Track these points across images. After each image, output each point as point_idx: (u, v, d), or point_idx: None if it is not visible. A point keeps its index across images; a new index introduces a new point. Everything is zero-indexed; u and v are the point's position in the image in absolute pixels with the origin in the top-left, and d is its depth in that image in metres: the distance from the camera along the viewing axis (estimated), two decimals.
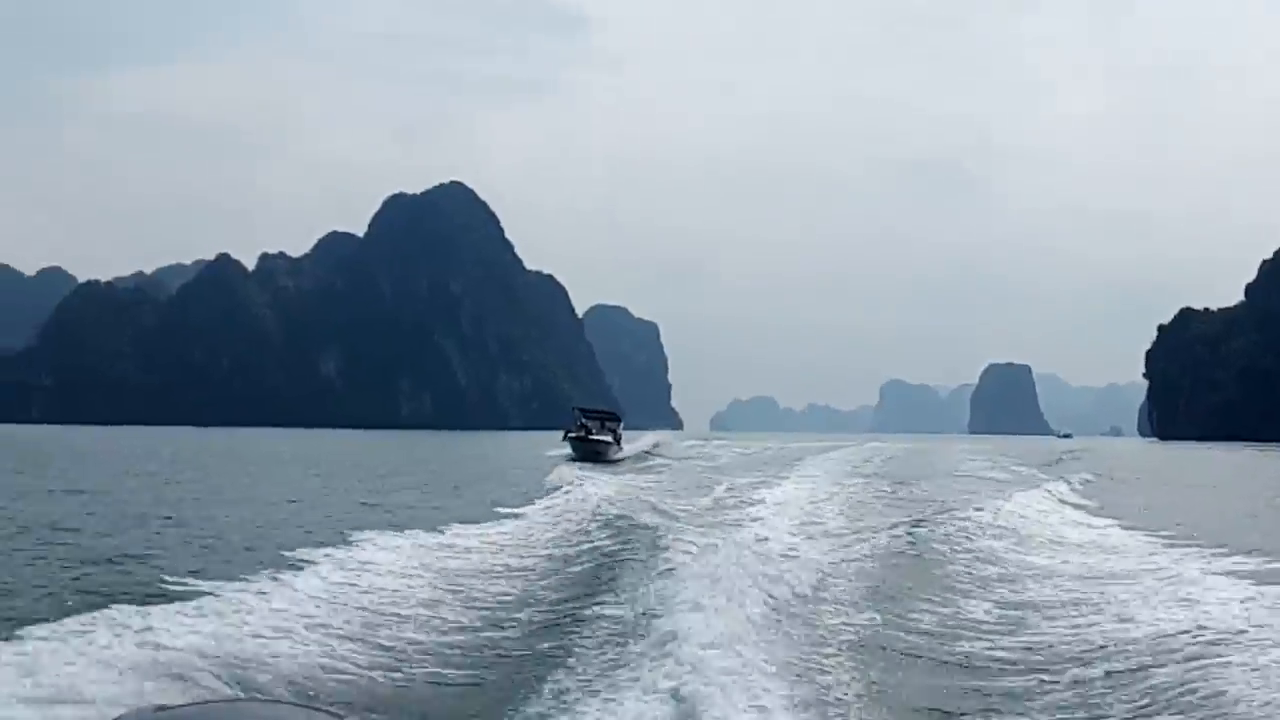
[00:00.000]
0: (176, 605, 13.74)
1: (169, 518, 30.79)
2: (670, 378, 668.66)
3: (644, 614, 14.12)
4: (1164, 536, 26.24)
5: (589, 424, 75.55)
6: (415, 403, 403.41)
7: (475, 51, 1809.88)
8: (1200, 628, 14.36)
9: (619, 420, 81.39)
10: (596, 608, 15.36)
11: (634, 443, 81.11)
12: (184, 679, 10.59)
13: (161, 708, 1.68)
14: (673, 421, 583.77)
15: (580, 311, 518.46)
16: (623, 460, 69.32)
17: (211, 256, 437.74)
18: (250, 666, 11.34)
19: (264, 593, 14.89)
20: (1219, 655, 12.41)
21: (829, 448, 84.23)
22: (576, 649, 13.02)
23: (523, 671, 12.29)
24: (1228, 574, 19.70)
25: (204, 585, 15.81)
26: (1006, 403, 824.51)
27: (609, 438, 73.24)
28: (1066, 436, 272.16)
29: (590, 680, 11.22)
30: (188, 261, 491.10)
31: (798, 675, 11.31)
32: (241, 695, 9.87)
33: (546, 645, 13.57)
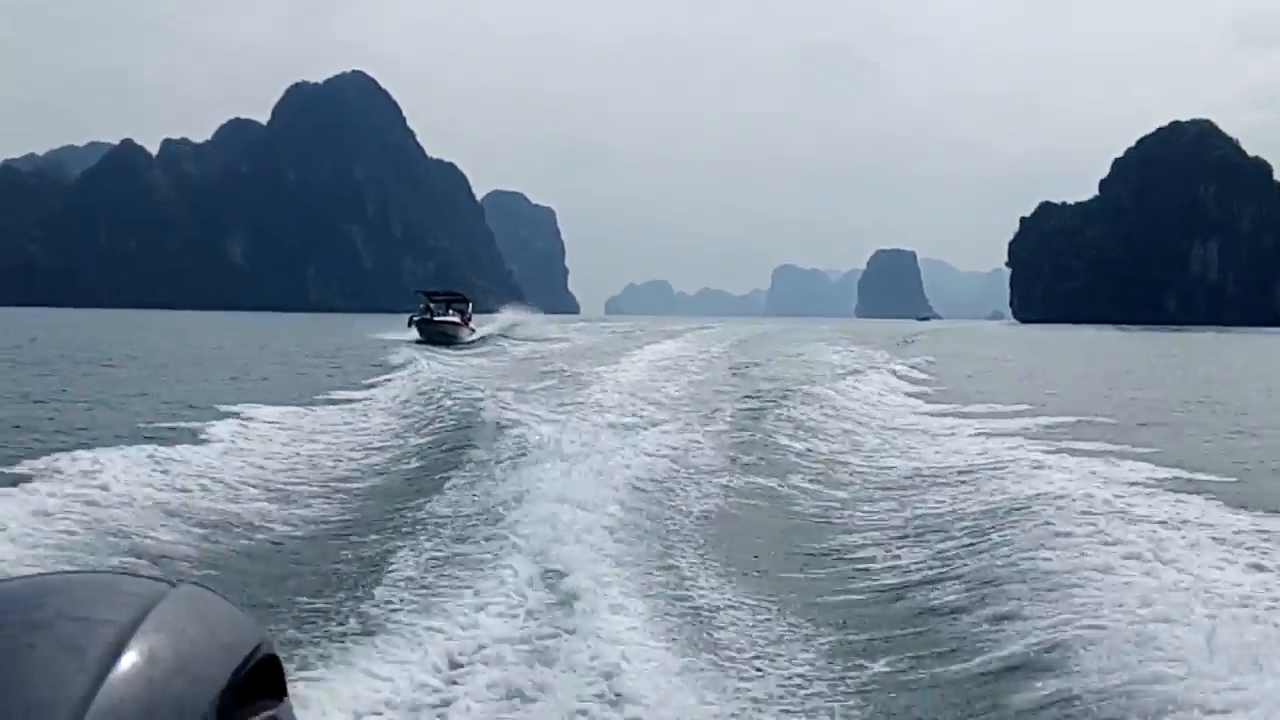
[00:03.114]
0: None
1: None
2: (567, 262, 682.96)
3: (492, 497, 13.82)
4: (963, 409, 27.90)
5: (434, 306, 72.14)
6: (322, 286, 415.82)
7: None
8: (1004, 486, 15.29)
9: (468, 302, 76.26)
10: (444, 491, 14.88)
11: (491, 324, 76.19)
12: (14, 552, 10.44)
13: None
14: (570, 305, 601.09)
15: (478, 196, 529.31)
16: (473, 343, 64.63)
17: (102, 139, 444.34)
18: (84, 539, 11.23)
19: (97, 469, 14.35)
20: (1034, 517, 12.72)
21: (697, 329, 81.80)
22: (426, 530, 12.51)
23: (368, 551, 11.81)
24: (1010, 436, 21.84)
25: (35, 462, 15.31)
26: (892, 288, 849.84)
27: (456, 319, 69.80)
28: (925, 319, 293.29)
29: (440, 564, 10.72)
30: (80, 144, 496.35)
31: (653, 555, 11.29)
32: (69, 568, 7.56)
33: (393, 524, 13.12)
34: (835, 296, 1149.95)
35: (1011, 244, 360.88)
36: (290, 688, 1.11)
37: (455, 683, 7.54)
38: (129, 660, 0.97)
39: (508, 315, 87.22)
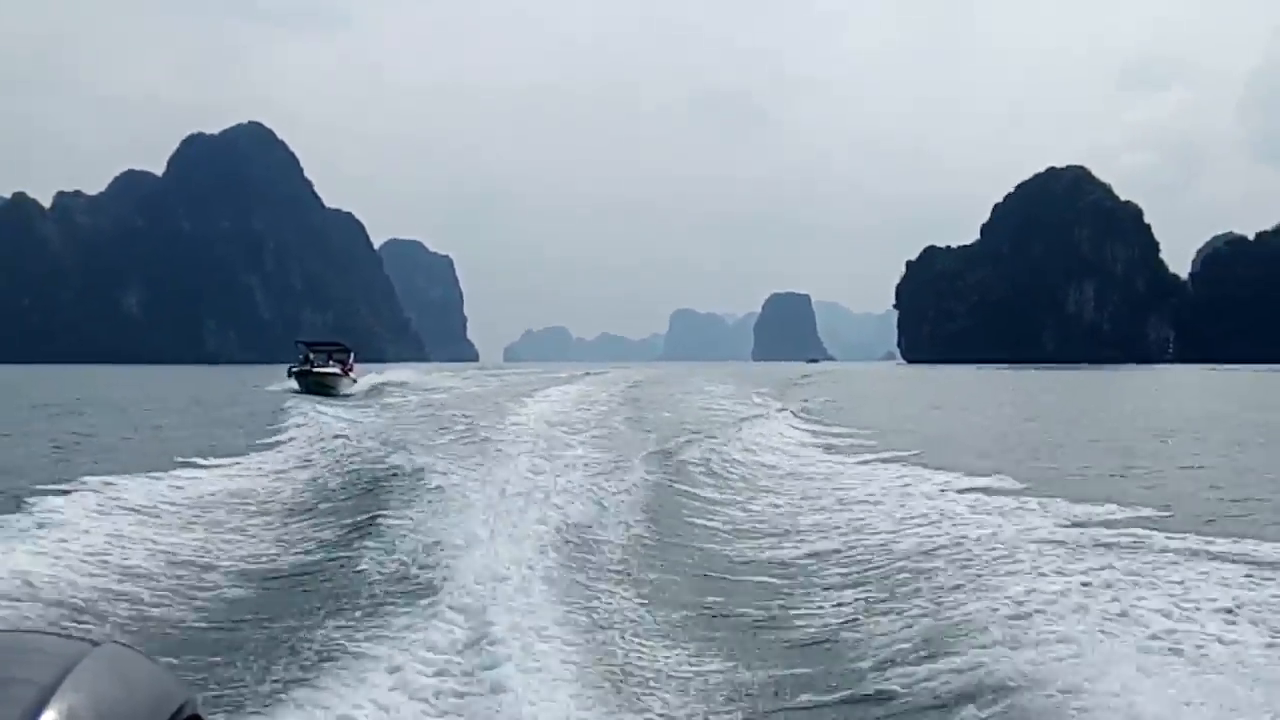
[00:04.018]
0: None
1: None
2: (466, 310, 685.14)
3: (412, 549, 13.76)
4: (849, 445, 29.80)
5: (314, 356, 71.56)
6: (220, 338, 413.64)
7: None
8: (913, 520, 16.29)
9: (349, 352, 75.68)
10: (365, 545, 14.67)
11: (374, 377, 74.40)
12: None
13: None
14: (469, 353, 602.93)
15: (375, 245, 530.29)
16: (353, 395, 62.85)
17: None
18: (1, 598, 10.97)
19: (14, 525, 14.35)
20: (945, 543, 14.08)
21: (593, 374, 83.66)
22: (350, 585, 12.31)
23: (294, 609, 11.58)
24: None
25: None
26: (787, 330, 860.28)
27: (336, 370, 69.04)
28: (813, 361, 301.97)
29: (365, 620, 10.58)
30: None
31: (579, 607, 10.99)
32: None
33: (317, 581, 12.93)
34: (732, 340, 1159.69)
35: (898, 287, 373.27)
36: None
37: None
38: None
39: (397, 371, 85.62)
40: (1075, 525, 15.70)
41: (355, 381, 69.29)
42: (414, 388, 65.67)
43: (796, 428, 37.14)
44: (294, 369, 69.52)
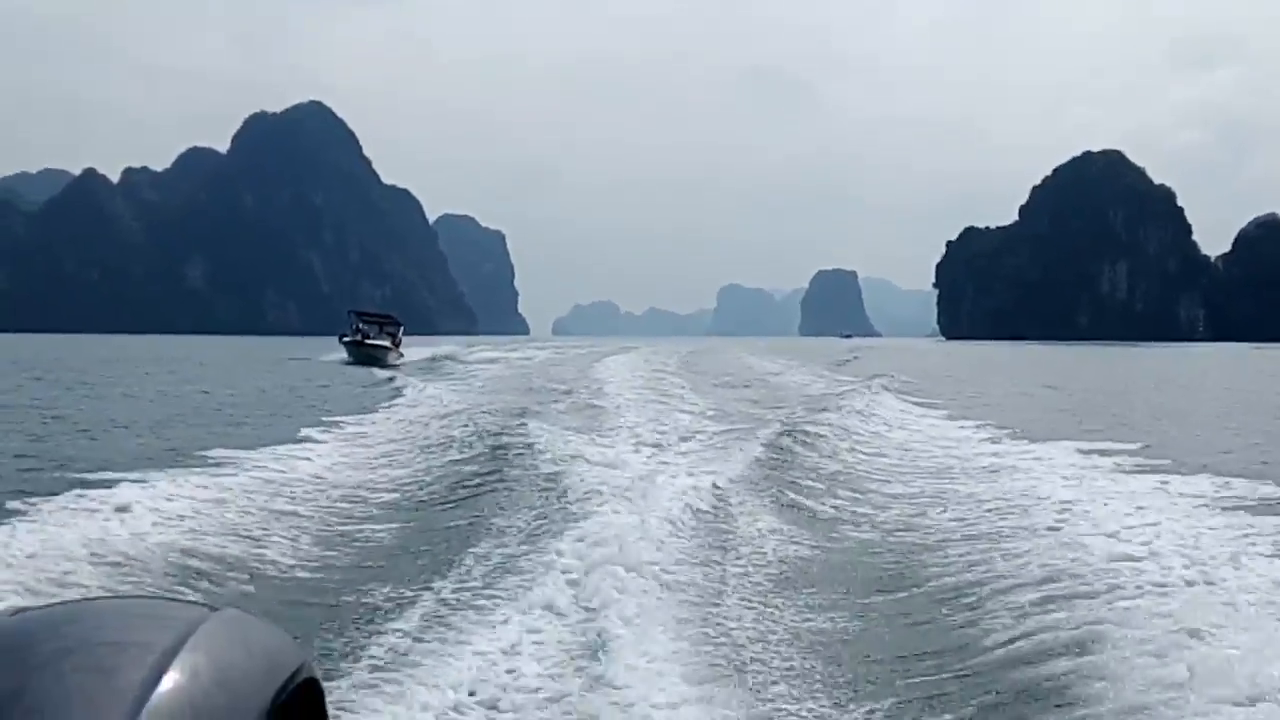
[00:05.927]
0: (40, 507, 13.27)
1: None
2: (517, 284, 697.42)
3: (525, 520, 13.73)
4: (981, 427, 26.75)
5: (365, 328, 73.39)
6: (280, 310, 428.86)
7: None
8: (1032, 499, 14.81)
9: (399, 325, 76.59)
10: (478, 515, 14.65)
11: (422, 350, 75.49)
12: (53, 581, 10.26)
13: (20, 610, 1.34)
14: (520, 326, 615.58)
15: (430, 220, 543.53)
16: (401, 366, 63.02)
17: (53, 166, 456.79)
18: (120, 567, 11.03)
19: (130, 496, 14.13)
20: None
21: (647, 348, 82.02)
22: (464, 555, 12.18)
23: (409, 575, 11.53)
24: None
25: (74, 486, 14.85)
26: (834, 306, 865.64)
27: (386, 342, 69.97)
28: (847, 337, 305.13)
29: (479, 590, 10.46)
30: (33, 170, 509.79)
31: (700, 596, 10.37)
32: (107, 594, 9.30)
33: (430, 548, 12.98)
34: (780, 315, 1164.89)
35: (938, 266, 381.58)
36: (331, 711, 1.26)
37: (495, 709, 7.58)
38: (170, 683, 1.13)
39: (444, 345, 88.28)
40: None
41: (402, 355, 69.68)
42: (464, 359, 66.63)
43: (899, 400, 35.39)
44: (345, 338, 72.17)
